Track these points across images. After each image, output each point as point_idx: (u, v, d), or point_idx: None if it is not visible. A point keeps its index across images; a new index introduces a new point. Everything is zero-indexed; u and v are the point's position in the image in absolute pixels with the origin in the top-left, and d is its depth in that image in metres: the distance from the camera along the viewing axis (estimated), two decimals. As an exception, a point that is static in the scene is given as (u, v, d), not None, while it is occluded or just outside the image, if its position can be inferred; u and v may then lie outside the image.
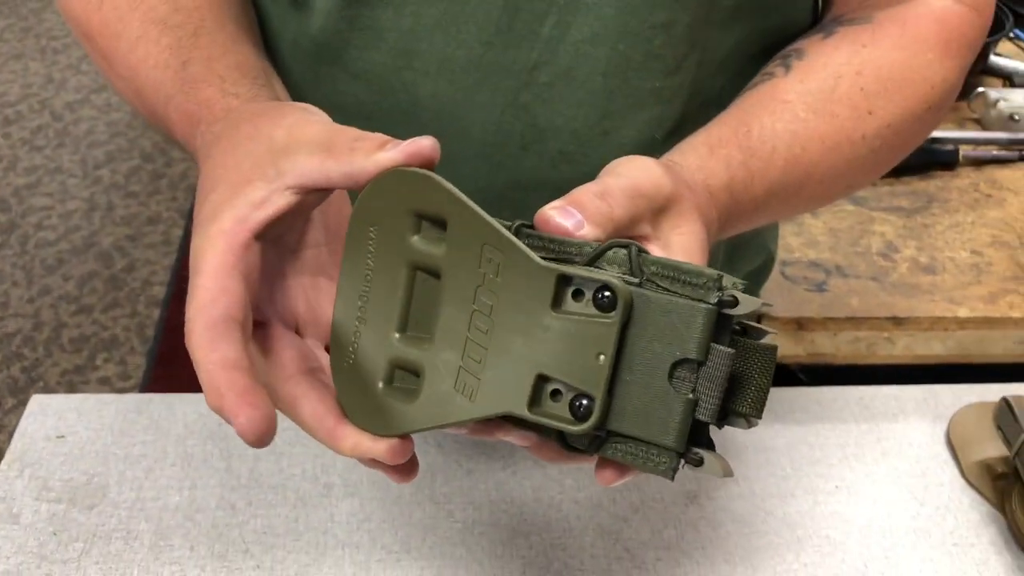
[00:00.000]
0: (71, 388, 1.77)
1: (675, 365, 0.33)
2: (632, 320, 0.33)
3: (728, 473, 0.35)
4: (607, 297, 0.32)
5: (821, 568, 0.58)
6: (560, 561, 0.57)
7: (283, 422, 0.65)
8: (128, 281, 2.04)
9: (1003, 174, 0.93)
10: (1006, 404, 0.64)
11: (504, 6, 0.48)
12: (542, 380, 0.34)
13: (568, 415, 0.33)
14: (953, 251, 0.82)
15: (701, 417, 0.33)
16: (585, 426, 0.33)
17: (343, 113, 0.36)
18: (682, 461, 0.33)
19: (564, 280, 0.33)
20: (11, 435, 1.67)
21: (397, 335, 0.37)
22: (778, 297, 0.75)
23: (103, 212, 2.23)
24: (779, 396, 0.69)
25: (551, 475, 0.63)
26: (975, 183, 0.92)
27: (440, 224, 0.35)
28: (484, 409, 0.34)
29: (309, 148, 0.37)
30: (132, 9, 0.50)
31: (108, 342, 1.89)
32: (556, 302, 0.33)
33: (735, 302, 0.32)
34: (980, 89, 1.01)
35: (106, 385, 1.79)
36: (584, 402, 0.33)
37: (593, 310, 0.33)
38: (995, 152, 0.95)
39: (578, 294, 0.33)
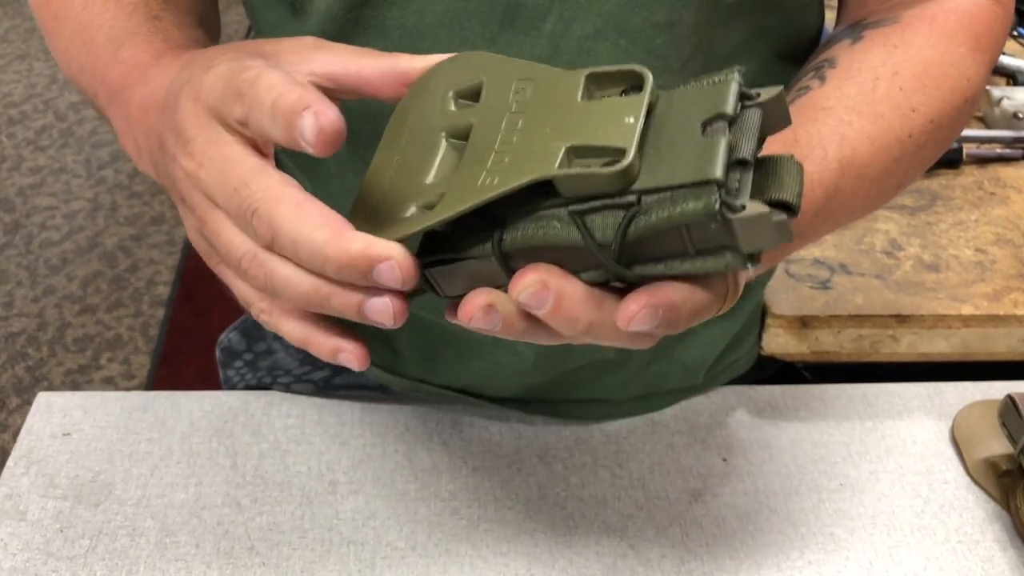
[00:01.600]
0: (75, 387, 1.78)
1: (705, 125, 0.31)
2: (659, 101, 0.32)
3: (785, 233, 0.30)
4: (635, 86, 0.32)
5: (826, 565, 0.58)
6: (565, 558, 0.57)
7: (287, 419, 0.65)
8: (132, 281, 2.04)
9: (1007, 172, 0.93)
10: (1011, 401, 0.64)
11: (507, 4, 0.48)
12: (572, 152, 0.32)
13: (599, 168, 0.31)
14: (957, 249, 0.82)
15: (740, 156, 0.30)
16: (621, 166, 0.30)
17: (346, 111, 0.35)
18: (727, 214, 0.30)
19: (593, 78, 0.33)
20: (15, 434, 1.68)
21: (429, 180, 0.35)
22: (782, 295, 0.75)
23: (107, 212, 2.23)
24: (783, 393, 0.69)
25: (556, 472, 0.63)
26: (979, 181, 0.91)
27: (476, 96, 0.35)
28: (512, 180, 0.31)
29: (332, 47, 0.36)
30: None
31: (112, 342, 1.89)
32: (586, 95, 0.33)
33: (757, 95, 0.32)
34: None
35: (110, 384, 1.80)
36: (616, 160, 0.31)
37: (622, 97, 0.32)
38: (999, 150, 0.95)
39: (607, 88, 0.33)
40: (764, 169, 0.33)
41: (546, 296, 0.32)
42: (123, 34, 0.45)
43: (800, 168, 0.33)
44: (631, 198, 0.31)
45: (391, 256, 0.32)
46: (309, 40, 0.37)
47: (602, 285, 0.33)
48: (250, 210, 0.33)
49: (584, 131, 0.32)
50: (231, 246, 0.35)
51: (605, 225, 0.31)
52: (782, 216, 0.30)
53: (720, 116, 0.31)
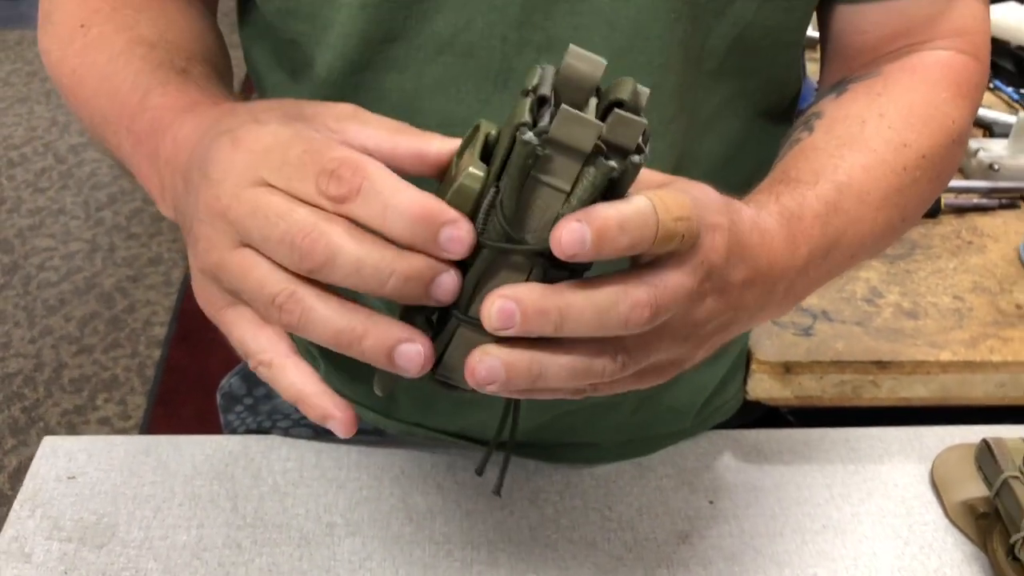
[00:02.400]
0: (71, 428, 1.78)
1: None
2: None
3: (620, 120, 0.34)
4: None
5: (809, 606, 0.60)
6: (556, 599, 0.59)
7: (286, 463, 0.67)
8: (129, 322, 2.06)
9: (984, 221, 0.96)
10: (986, 445, 0.66)
11: (499, 67, 0.51)
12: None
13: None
14: (935, 296, 0.84)
15: (539, 94, 0.35)
16: (470, 176, 0.35)
17: None
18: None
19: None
20: (11, 476, 1.68)
21: None
22: (766, 341, 0.77)
23: (105, 253, 2.26)
24: (768, 437, 0.71)
25: (547, 515, 0.64)
26: (957, 230, 0.94)
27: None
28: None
29: (370, 120, 0.38)
30: (119, 31, 0.50)
31: (108, 382, 1.91)
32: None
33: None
34: (961, 139, 1.05)
35: (106, 425, 1.80)
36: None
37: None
38: (976, 200, 0.98)
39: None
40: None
41: (510, 306, 0.34)
42: (151, 83, 0.46)
43: (633, 83, 0.36)
44: (493, 190, 0.35)
45: (459, 220, 0.34)
46: (349, 109, 0.39)
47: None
48: (334, 165, 0.34)
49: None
50: (264, 283, 0.35)
51: (497, 225, 0.35)
52: (572, 110, 0.33)
53: (523, 93, 0.35)
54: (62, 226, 2.34)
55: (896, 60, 0.55)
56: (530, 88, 0.35)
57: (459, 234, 0.34)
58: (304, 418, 0.70)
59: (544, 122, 0.34)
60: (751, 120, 0.58)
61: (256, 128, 0.37)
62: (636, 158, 0.34)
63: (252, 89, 0.63)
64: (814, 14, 0.58)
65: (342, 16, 0.50)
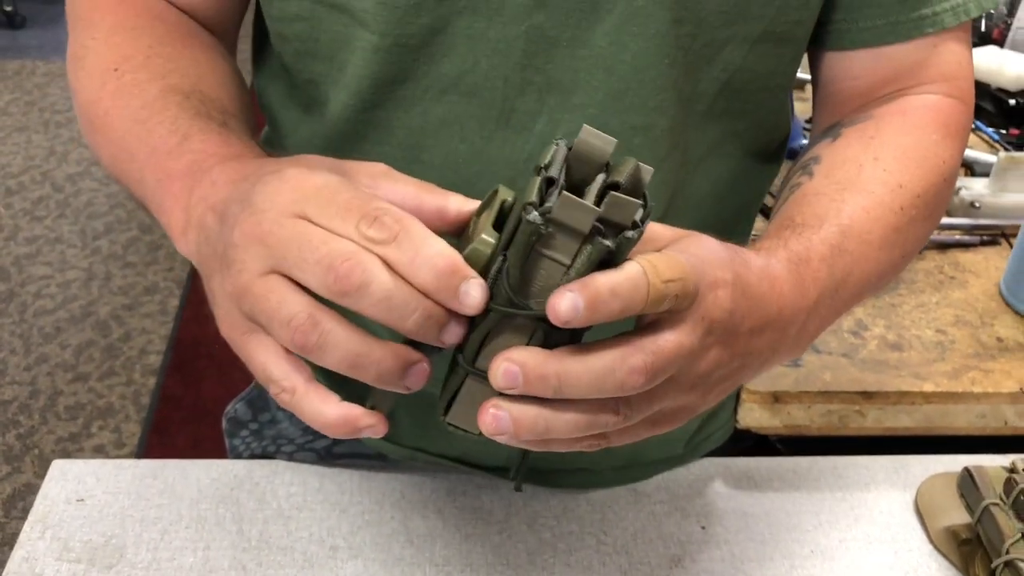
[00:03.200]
0: (66, 455, 1.79)
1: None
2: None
3: (615, 202, 0.36)
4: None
5: (798, 628, 0.61)
6: (553, 620, 0.61)
7: (290, 487, 0.69)
8: (124, 350, 2.07)
9: (965, 257, 0.99)
10: (968, 474, 0.68)
11: (502, 107, 0.53)
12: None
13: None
14: (919, 330, 0.87)
15: (547, 175, 0.37)
16: (480, 245, 0.38)
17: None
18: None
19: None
20: (5, 502, 1.68)
21: None
22: (756, 372, 0.80)
23: (101, 282, 2.27)
24: (758, 465, 0.73)
25: (545, 539, 0.66)
26: (940, 266, 0.97)
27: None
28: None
29: (400, 178, 0.41)
30: (152, 80, 0.53)
31: (104, 410, 1.91)
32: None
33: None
34: (944, 177, 1.08)
35: (101, 453, 1.81)
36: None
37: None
38: (958, 236, 1.01)
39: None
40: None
41: (514, 369, 0.37)
42: (191, 129, 0.49)
43: (636, 163, 0.38)
44: (501, 258, 0.38)
45: (478, 281, 0.37)
46: (381, 168, 0.42)
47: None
48: (377, 213, 0.37)
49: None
50: (283, 304, 0.37)
51: (503, 290, 0.38)
52: (572, 196, 0.36)
53: (535, 170, 0.38)
54: (59, 254, 2.35)
55: (886, 104, 0.58)
56: (543, 165, 0.38)
57: (475, 293, 0.37)
58: (308, 443, 0.72)
59: (550, 202, 0.36)
60: (741, 160, 0.60)
61: (307, 171, 0.40)
62: (630, 233, 0.37)
63: (262, 123, 0.65)
64: (804, 58, 0.60)
65: (356, 58, 0.53)
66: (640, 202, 0.37)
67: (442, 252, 0.37)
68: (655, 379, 0.38)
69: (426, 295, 0.37)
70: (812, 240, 0.49)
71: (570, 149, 0.38)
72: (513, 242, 0.37)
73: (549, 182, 0.37)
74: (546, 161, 0.38)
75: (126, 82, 0.53)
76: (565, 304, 0.36)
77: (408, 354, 0.38)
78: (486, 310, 0.38)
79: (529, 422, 0.38)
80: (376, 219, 0.37)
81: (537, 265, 0.37)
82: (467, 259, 0.38)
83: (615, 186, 0.37)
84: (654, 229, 0.42)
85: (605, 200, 0.37)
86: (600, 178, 0.38)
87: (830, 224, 0.50)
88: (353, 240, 0.37)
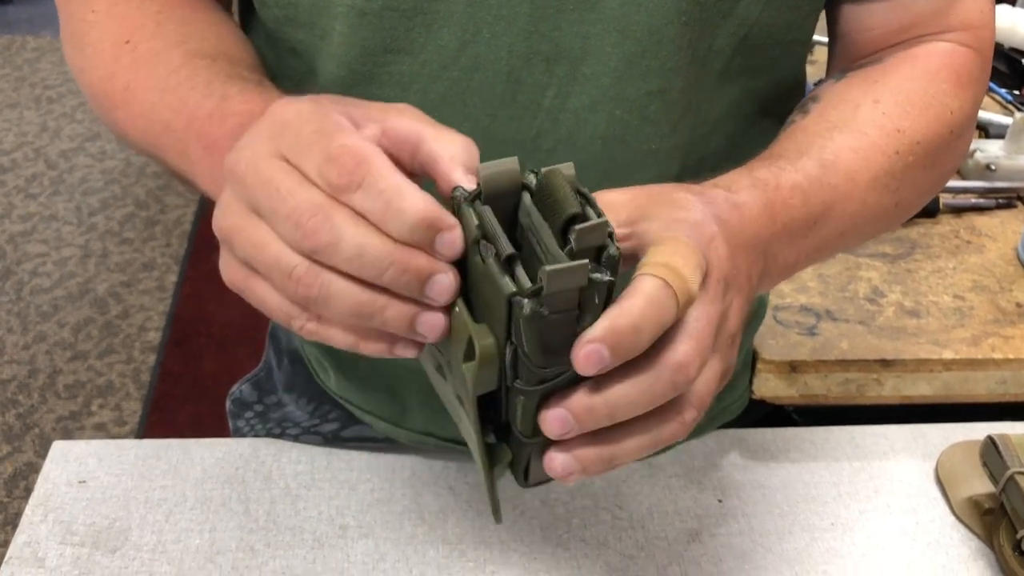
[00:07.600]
0: (66, 434, 1.78)
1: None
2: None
3: (581, 267, 0.34)
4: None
5: (820, 602, 0.60)
6: (569, 598, 0.59)
7: (297, 466, 0.67)
8: (123, 327, 2.06)
9: (982, 221, 0.97)
10: (991, 442, 0.67)
11: (507, 81, 0.50)
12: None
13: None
14: (936, 296, 0.85)
15: (504, 255, 0.35)
16: (480, 353, 0.36)
17: None
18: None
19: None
20: (6, 482, 1.68)
21: None
22: (771, 340, 0.78)
23: (98, 259, 2.25)
24: (774, 436, 0.72)
25: (559, 515, 0.65)
26: (955, 230, 0.95)
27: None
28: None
29: (418, 116, 0.38)
30: (171, 47, 0.50)
31: (103, 388, 1.90)
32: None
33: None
34: (957, 139, 1.06)
35: (102, 431, 1.80)
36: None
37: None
38: (973, 200, 1.00)
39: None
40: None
41: (562, 415, 0.37)
42: (228, 91, 0.46)
43: (566, 180, 0.36)
44: (510, 347, 0.36)
45: (454, 227, 0.35)
46: (409, 108, 0.39)
47: None
48: (336, 151, 0.34)
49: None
50: (281, 256, 0.35)
51: (528, 370, 0.36)
52: (556, 266, 0.34)
53: (481, 258, 0.35)
54: (54, 232, 2.33)
55: (898, 50, 0.56)
56: (476, 240, 0.35)
57: (452, 238, 0.35)
58: (314, 426, 0.70)
59: (528, 282, 0.34)
60: (756, 120, 0.58)
61: (286, 104, 0.37)
62: (613, 250, 0.35)
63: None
64: (822, 16, 0.58)
65: (340, 25, 0.50)
66: (604, 219, 0.35)
67: (414, 203, 0.34)
68: (705, 361, 0.37)
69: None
70: (784, 168, 0.47)
71: (479, 197, 0.36)
72: (515, 333, 0.35)
73: (509, 260, 0.35)
74: (478, 234, 0.35)
75: (142, 52, 0.50)
76: (589, 357, 0.34)
77: (414, 304, 0.36)
78: (524, 391, 0.37)
79: (593, 459, 0.38)
80: (336, 160, 0.34)
81: (550, 331, 0.35)
82: (480, 364, 0.36)
83: (572, 219, 0.35)
84: (606, 197, 0.40)
85: (572, 238, 0.34)
86: (526, 196, 0.36)
87: (810, 158, 0.49)
88: (319, 186, 0.35)
